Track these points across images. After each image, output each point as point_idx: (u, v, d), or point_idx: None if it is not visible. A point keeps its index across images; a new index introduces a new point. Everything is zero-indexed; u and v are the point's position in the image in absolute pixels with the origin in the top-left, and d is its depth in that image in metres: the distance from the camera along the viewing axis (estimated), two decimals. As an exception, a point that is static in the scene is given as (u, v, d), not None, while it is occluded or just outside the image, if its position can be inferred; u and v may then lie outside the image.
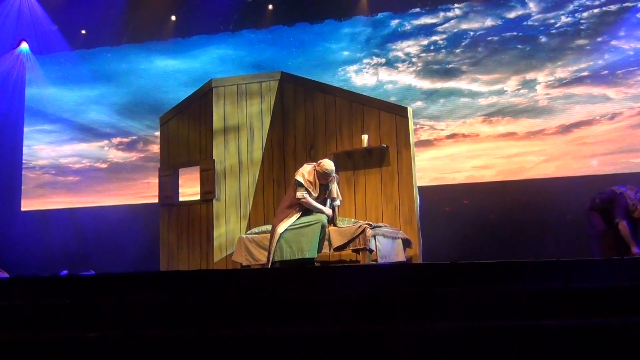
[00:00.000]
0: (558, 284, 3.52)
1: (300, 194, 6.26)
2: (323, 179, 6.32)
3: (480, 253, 7.61)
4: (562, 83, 9.01)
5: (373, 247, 6.26)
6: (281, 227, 6.24)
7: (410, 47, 9.79)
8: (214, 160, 7.33)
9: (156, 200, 8.03)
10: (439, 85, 9.56)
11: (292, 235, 6.17)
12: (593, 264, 4.13)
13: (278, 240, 6.18)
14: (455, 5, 9.61)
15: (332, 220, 6.40)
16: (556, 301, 3.24)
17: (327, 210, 6.35)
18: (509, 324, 2.94)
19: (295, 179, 6.35)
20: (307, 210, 6.30)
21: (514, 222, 8.48)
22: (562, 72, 9.02)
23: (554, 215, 7.97)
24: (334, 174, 6.36)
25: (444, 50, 9.61)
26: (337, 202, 6.62)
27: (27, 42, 11.40)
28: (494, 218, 8.58)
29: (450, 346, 2.79)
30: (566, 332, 2.72)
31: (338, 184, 6.64)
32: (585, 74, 8.91)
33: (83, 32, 11.19)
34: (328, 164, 6.33)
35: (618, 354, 2.62)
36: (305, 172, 6.37)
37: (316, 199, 6.33)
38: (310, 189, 6.28)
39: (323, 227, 6.23)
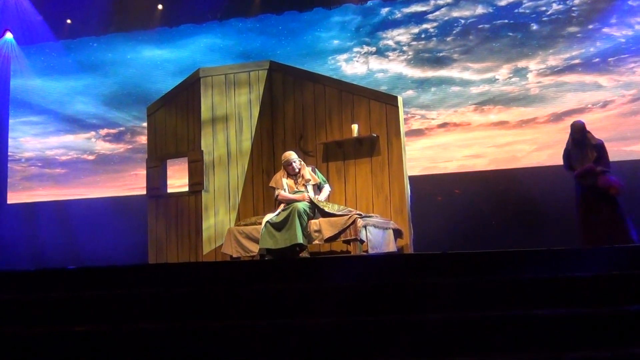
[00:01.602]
0: (548, 273, 3.53)
1: (275, 193, 6.85)
2: (288, 169, 6.81)
3: (472, 243, 7.62)
4: (554, 71, 9.01)
5: (364, 238, 6.27)
6: (266, 218, 6.61)
7: (400, 35, 9.76)
8: (202, 151, 7.31)
9: (144, 192, 8.01)
10: (430, 73, 9.52)
11: (274, 226, 6.50)
12: (584, 253, 4.15)
13: (262, 229, 6.51)
14: (446, -8, 9.60)
15: (318, 208, 6.58)
16: (547, 290, 3.24)
17: (303, 196, 6.65)
18: (501, 313, 2.96)
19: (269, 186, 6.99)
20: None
21: (506, 211, 8.48)
22: (553, 60, 9.03)
23: (546, 204, 7.88)
24: (293, 159, 6.80)
25: (434, 39, 9.56)
26: (327, 188, 6.92)
27: (11, 32, 11.27)
28: (486, 207, 8.55)
29: (442, 336, 2.83)
30: (557, 321, 2.73)
31: (314, 170, 6.92)
32: (576, 61, 8.90)
33: (68, 21, 11.08)
34: (284, 154, 6.91)
35: (608, 342, 2.61)
36: (276, 175, 6.94)
37: (295, 192, 6.73)
38: (285, 187, 6.77)
39: (299, 213, 6.42)
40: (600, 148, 6.59)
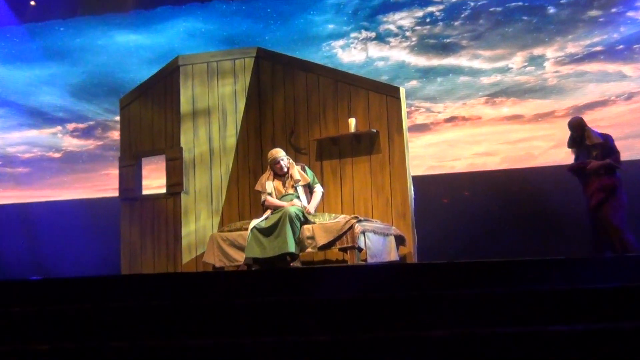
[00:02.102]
0: (566, 285, 3.56)
1: (262, 198, 6.85)
2: (275, 168, 6.79)
3: (482, 251, 7.65)
4: (574, 59, 9.03)
5: (362, 245, 6.29)
6: (252, 223, 6.62)
7: (403, 19, 9.76)
8: (181, 148, 7.32)
9: (116, 194, 8.03)
10: (435, 62, 9.57)
11: (262, 232, 6.51)
12: (605, 262, 4.20)
13: (248, 236, 6.53)
14: (454, -29, 9.61)
15: (307, 214, 6.62)
16: (564, 304, 3.26)
17: (294, 202, 6.66)
18: (513, 330, 2.96)
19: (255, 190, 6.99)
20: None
21: (520, 215, 8.48)
22: (573, 47, 9.05)
23: (564, 208, 7.87)
24: (280, 157, 6.77)
25: (441, 23, 9.58)
26: (318, 189, 6.93)
27: (-32, 15, 11.27)
28: (498, 211, 8.55)
29: (449, 356, 2.83)
30: (575, 338, 2.74)
31: (303, 168, 6.92)
32: (598, 49, 8.93)
33: (32, 3, 11.05)
34: (270, 152, 6.88)
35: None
36: (261, 177, 6.95)
37: (284, 196, 6.76)
38: (272, 191, 6.80)
39: (291, 218, 6.41)
40: (604, 144, 6.64)
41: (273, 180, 6.89)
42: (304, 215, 6.58)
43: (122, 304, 3.78)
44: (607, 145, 6.63)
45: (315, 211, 6.81)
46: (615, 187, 6.50)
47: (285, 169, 6.84)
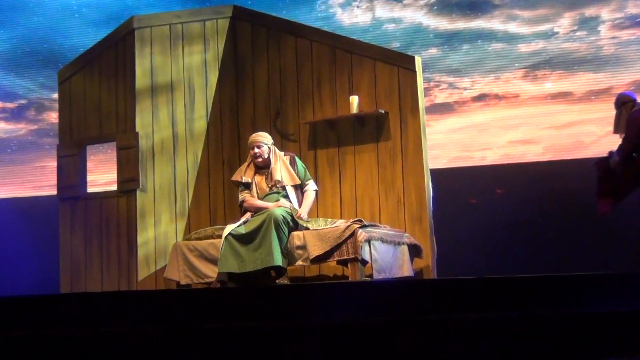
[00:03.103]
0: (629, 306, 3.54)
1: (240, 197, 6.93)
2: (253, 156, 6.82)
3: (519, 264, 7.62)
4: (636, 22, 9.00)
5: (367, 257, 6.27)
6: (227, 229, 6.63)
7: (419, -30, 9.79)
8: (137, 134, 7.29)
9: (54, 192, 7.97)
10: (461, 25, 9.50)
11: (240, 241, 6.55)
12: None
13: (222, 245, 6.53)
14: None
15: (297, 217, 6.65)
16: (625, 329, 3.28)
17: (281, 203, 6.71)
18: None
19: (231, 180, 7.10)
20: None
21: (567, 219, 8.42)
22: (634, 7, 8.97)
23: (624, 210, 7.41)
24: (260, 142, 6.81)
25: (467, -25, 9.65)
26: (311, 189, 6.95)
27: None
28: (539, 214, 8.50)
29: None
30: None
31: (292, 161, 6.93)
32: (668, 8, 8.94)
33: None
34: (252, 135, 6.94)
35: None
36: (241, 166, 7.02)
37: (268, 194, 6.80)
38: (254, 187, 6.87)
39: (277, 222, 6.44)
40: (627, 124, 6.79)
41: (255, 173, 6.92)
42: (293, 219, 6.58)
43: (61, 331, 3.81)
44: (629, 124, 6.78)
45: (308, 216, 6.77)
46: None
47: (265, 158, 6.84)
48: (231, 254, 6.54)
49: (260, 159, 6.83)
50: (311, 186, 6.99)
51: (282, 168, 6.87)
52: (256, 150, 6.81)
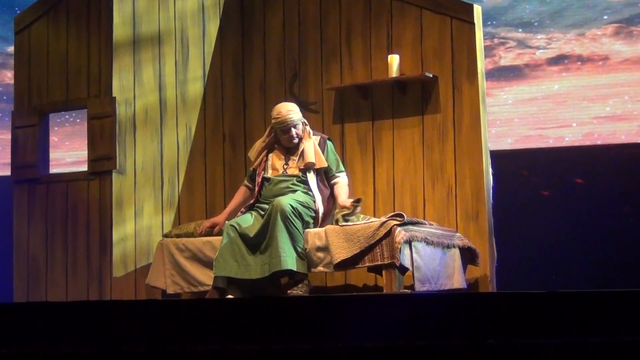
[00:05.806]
0: None
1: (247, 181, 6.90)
2: (283, 138, 6.59)
3: (602, 275, 7.53)
4: None
5: (406, 263, 6.07)
6: (227, 223, 6.54)
7: None
8: (114, 99, 6.99)
9: (7, 172, 7.81)
10: (534, -35, 9.44)
11: (243, 239, 6.40)
12: None
13: (223, 241, 6.41)
14: None
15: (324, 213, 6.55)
16: None
17: (294, 195, 6.56)
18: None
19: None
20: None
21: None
22: None
23: None
24: (292, 120, 6.54)
25: None
26: (340, 177, 6.74)
27: None
28: (630, 211, 8.07)
29: None
30: None
31: (323, 143, 6.76)
32: None
33: None
34: (276, 107, 6.67)
35: None
36: (256, 143, 6.88)
37: (281, 181, 6.59)
38: (268, 169, 6.66)
39: (285, 214, 6.21)
40: None
41: (274, 152, 6.67)
42: (314, 212, 6.40)
43: (12, 351, 3.88)
44: None
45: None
46: None
47: (297, 140, 6.58)
48: (232, 255, 6.34)
49: (297, 140, 6.61)
50: (343, 178, 6.75)
51: (311, 149, 6.66)
52: (293, 132, 6.54)
